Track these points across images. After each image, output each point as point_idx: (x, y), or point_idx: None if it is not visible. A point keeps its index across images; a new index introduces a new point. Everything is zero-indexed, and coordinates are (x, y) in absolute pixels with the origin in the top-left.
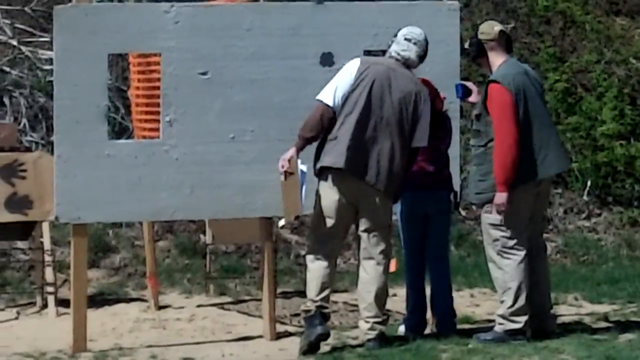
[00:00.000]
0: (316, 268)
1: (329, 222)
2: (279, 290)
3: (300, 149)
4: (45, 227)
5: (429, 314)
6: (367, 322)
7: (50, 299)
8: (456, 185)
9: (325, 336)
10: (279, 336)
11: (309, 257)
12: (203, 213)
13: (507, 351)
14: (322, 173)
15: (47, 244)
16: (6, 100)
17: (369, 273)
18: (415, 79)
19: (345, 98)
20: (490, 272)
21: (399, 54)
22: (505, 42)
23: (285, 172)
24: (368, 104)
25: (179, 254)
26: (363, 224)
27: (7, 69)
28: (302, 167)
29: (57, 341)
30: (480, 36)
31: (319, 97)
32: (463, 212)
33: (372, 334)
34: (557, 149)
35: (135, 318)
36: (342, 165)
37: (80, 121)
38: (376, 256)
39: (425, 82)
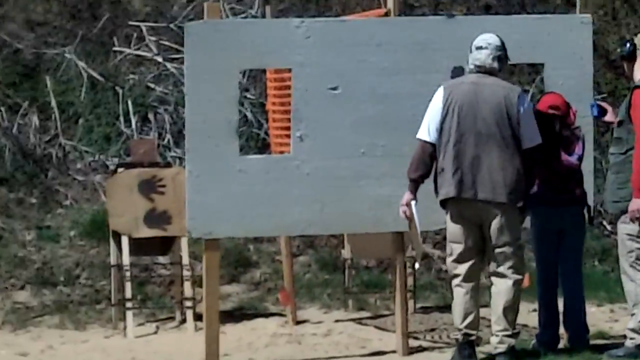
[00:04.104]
0: (457, 295)
1: (459, 248)
2: (418, 305)
3: (413, 191)
4: (184, 242)
5: (562, 330)
6: (496, 335)
7: (189, 314)
8: (590, 200)
9: None
10: (412, 351)
11: (452, 284)
12: (334, 228)
13: None
14: (442, 205)
15: (185, 259)
16: (151, 116)
17: (498, 287)
18: (502, 84)
19: (440, 129)
20: (622, 284)
21: (473, 64)
22: None
23: (407, 217)
24: (461, 126)
25: (319, 269)
26: (490, 242)
27: (152, 85)
28: (414, 206)
29: (194, 356)
30: (636, 41)
31: (417, 136)
32: (608, 227)
33: (502, 348)
34: None
35: (272, 333)
36: (454, 194)
37: (211, 137)
38: (505, 271)
39: (557, 96)
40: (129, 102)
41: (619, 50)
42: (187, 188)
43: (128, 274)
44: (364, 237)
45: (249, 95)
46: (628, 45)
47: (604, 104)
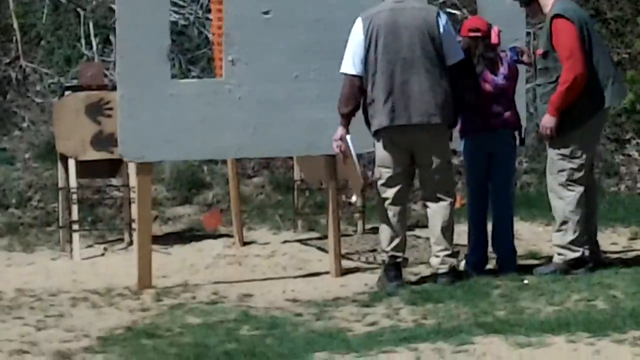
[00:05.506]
0: (384, 218)
1: (388, 173)
2: (369, 226)
3: (346, 125)
4: (132, 165)
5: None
6: (437, 256)
7: (136, 235)
8: (522, 122)
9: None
10: (345, 272)
11: (378, 209)
12: (267, 151)
13: (559, 287)
14: (375, 135)
15: (133, 181)
16: (113, 38)
17: (433, 208)
18: (419, 6)
19: (365, 60)
20: (550, 201)
21: None
22: None
23: (343, 152)
24: (386, 55)
25: (272, 190)
26: (422, 166)
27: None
28: (349, 140)
29: (135, 277)
30: None
31: (342, 70)
32: None
33: (444, 268)
34: (620, 79)
35: (216, 254)
36: (387, 122)
37: (143, 62)
38: (439, 194)
39: (477, 19)
40: (91, 24)
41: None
42: (119, 112)
43: (75, 196)
44: (311, 160)
45: (210, 16)
46: None
47: (520, 47)
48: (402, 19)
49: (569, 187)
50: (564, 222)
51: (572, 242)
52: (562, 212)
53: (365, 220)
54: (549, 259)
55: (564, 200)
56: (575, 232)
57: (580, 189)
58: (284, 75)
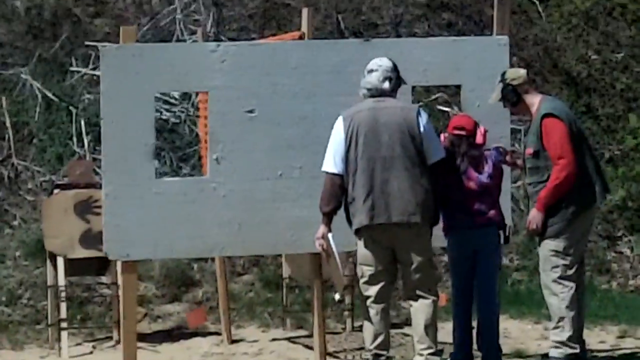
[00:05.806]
0: (367, 317)
1: (370, 270)
2: (358, 324)
3: (327, 224)
4: (120, 262)
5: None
6: (420, 355)
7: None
8: (508, 220)
9: None
10: None
11: (362, 307)
12: (252, 249)
13: None
14: (356, 233)
15: (120, 279)
16: None
17: (416, 306)
18: (399, 105)
19: (346, 159)
20: (545, 298)
21: (365, 88)
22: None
23: (325, 250)
24: (366, 154)
25: (262, 288)
26: (403, 264)
27: None
28: (331, 238)
29: None
30: (512, 82)
31: (323, 168)
32: None
33: None
34: (604, 176)
35: (204, 352)
36: (367, 221)
37: (128, 160)
38: (420, 291)
39: (463, 117)
40: (82, 122)
41: (494, 100)
42: (104, 210)
43: (63, 294)
44: (298, 257)
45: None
46: (509, 93)
47: (504, 148)
48: (382, 118)
49: (563, 284)
50: (561, 319)
51: (569, 339)
52: (558, 309)
53: (355, 318)
54: (537, 357)
55: (559, 296)
56: (571, 328)
57: (573, 285)
58: (268, 173)
